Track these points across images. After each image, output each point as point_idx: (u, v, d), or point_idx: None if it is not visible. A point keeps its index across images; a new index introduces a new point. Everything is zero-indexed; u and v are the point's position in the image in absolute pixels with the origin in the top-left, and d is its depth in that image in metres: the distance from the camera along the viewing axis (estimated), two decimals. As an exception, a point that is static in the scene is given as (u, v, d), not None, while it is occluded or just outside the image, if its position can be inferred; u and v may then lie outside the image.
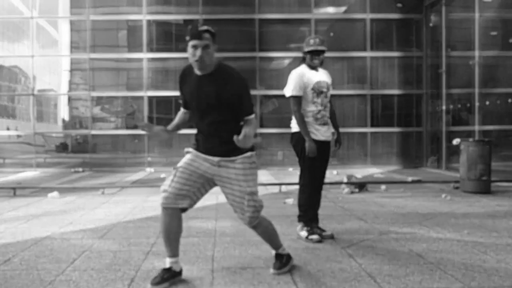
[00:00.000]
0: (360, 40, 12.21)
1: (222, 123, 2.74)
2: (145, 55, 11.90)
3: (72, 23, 12.33)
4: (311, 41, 3.88)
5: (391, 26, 12.42)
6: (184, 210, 2.81)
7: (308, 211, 3.91)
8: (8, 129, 12.05)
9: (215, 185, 2.85)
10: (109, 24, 12.24)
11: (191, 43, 2.61)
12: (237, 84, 2.67)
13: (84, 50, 12.02)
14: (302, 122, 3.79)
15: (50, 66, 12.38)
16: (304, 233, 3.86)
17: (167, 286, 2.73)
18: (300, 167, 3.92)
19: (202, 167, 2.80)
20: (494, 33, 12.03)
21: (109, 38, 12.35)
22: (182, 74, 2.85)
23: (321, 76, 3.92)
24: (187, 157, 2.90)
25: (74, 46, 12.35)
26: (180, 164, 2.87)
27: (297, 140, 3.85)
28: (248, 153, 2.76)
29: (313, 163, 3.80)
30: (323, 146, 3.85)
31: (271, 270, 2.98)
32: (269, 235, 2.99)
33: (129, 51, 12.23)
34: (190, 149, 2.93)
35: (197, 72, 2.70)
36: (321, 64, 3.96)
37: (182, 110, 3.10)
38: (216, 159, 2.77)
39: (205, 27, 2.62)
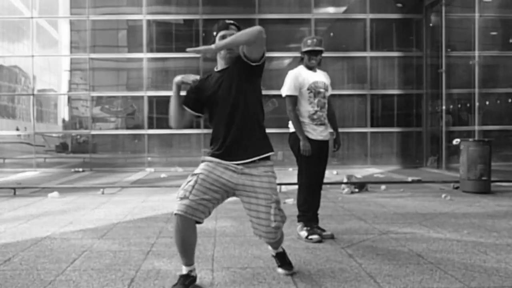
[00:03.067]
0: (360, 40, 12.21)
1: (245, 117, 2.65)
2: (145, 55, 11.90)
3: (72, 23, 12.33)
4: (309, 41, 3.90)
5: (391, 26, 12.42)
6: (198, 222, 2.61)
7: (308, 211, 3.92)
8: (17, 129, 12.06)
9: (233, 195, 2.70)
10: (109, 24, 12.24)
11: (220, 34, 2.67)
12: (239, 53, 2.64)
13: (84, 50, 12.02)
14: (296, 121, 3.80)
15: (50, 66, 12.37)
16: (304, 233, 3.86)
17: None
18: (298, 167, 3.93)
19: (224, 175, 2.62)
20: (494, 33, 12.03)
21: (109, 38, 12.35)
22: (199, 82, 2.74)
23: (319, 76, 3.93)
24: (207, 165, 2.68)
25: (74, 46, 12.35)
26: (200, 171, 2.66)
27: (294, 140, 3.86)
28: (269, 162, 2.70)
29: (310, 162, 3.80)
30: (320, 146, 3.86)
31: (282, 271, 2.94)
32: (278, 244, 2.92)
33: (129, 51, 12.23)
34: (208, 158, 2.71)
35: (218, 68, 2.74)
36: (319, 64, 3.98)
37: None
38: (239, 166, 2.63)
39: (231, 21, 2.72)
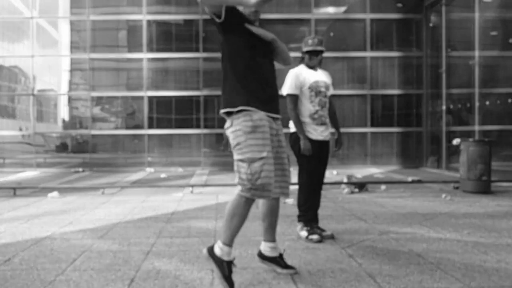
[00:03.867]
0: (360, 40, 12.21)
1: (223, 69, 2.73)
2: (145, 55, 11.90)
3: (72, 23, 12.33)
4: (310, 41, 3.90)
5: (391, 26, 12.42)
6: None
7: (308, 211, 3.91)
8: (20, 129, 12.07)
9: None
10: (109, 24, 12.24)
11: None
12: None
13: (84, 50, 12.03)
14: (297, 120, 3.80)
15: (50, 66, 12.37)
16: (304, 233, 3.86)
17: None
18: (298, 166, 3.93)
19: (273, 136, 2.70)
20: (494, 33, 12.02)
21: (109, 38, 12.35)
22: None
23: (320, 76, 3.93)
24: (263, 131, 2.57)
25: (74, 46, 12.35)
26: (264, 148, 2.54)
27: (294, 140, 3.86)
28: (228, 117, 2.69)
29: (311, 162, 3.80)
30: (321, 146, 3.86)
31: (286, 271, 2.94)
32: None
33: (129, 51, 12.23)
34: (252, 109, 2.57)
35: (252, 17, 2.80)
36: (320, 64, 3.98)
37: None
38: (274, 115, 2.72)
39: None
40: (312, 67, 3.93)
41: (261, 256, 2.99)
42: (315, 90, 3.84)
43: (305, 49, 3.91)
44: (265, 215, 2.93)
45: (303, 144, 3.75)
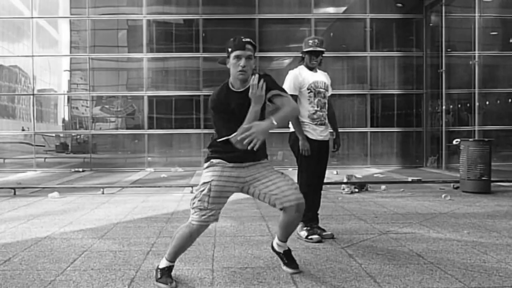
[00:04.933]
0: (360, 40, 12.21)
1: None
2: (145, 55, 11.90)
3: (72, 23, 12.33)
4: (310, 42, 3.90)
5: (391, 26, 12.42)
6: None
7: (308, 211, 3.91)
8: (23, 129, 12.07)
9: (247, 191, 2.80)
10: (109, 24, 12.24)
11: (234, 53, 2.65)
12: (268, 82, 2.68)
13: (84, 50, 12.03)
14: (295, 121, 3.80)
15: (50, 66, 12.37)
16: (304, 233, 3.86)
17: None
18: (298, 167, 3.93)
19: (232, 178, 2.73)
20: (494, 33, 12.03)
21: (109, 38, 12.35)
22: (215, 97, 2.75)
23: (319, 76, 3.94)
24: (214, 169, 2.73)
25: (74, 46, 12.35)
26: (211, 178, 2.70)
27: (294, 140, 3.87)
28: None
29: (310, 162, 3.80)
30: (320, 146, 3.86)
31: (289, 270, 2.96)
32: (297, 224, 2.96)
33: (129, 51, 12.23)
34: (214, 161, 2.75)
35: (234, 87, 2.73)
36: (320, 65, 3.99)
37: None
38: (244, 164, 2.75)
39: (248, 39, 2.68)
40: (312, 68, 3.94)
41: (272, 247, 3.07)
42: (314, 90, 3.85)
43: (306, 49, 3.92)
44: (281, 225, 2.93)
45: (301, 145, 3.76)
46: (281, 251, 3.00)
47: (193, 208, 2.71)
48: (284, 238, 2.96)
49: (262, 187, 2.75)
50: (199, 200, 2.69)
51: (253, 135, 2.43)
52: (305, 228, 3.88)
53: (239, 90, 2.72)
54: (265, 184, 2.75)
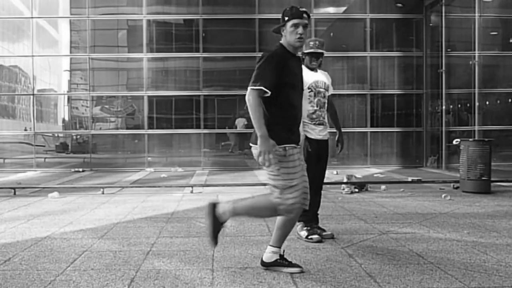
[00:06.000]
0: (360, 40, 12.21)
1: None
2: (145, 55, 11.90)
3: (72, 23, 12.33)
4: (311, 43, 3.92)
5: (391, 26, 12.41)
6: None
7: (308, 211, 3.91)
8: (25, 129, 12.06)
9: None
10: (109, 24, 12.23)
11: (292, 21, 2.88)
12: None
13: (84, 50, 12.02)
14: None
15: (50, 66, 12.37)
16: (304, 233, 3.86)
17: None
18: None
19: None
20: (494, 33, 12.02)
21: (109, 38, 12.34)
22: (281, 55, 2.87)
23: (319, 76, 3.96)
24: (296, 161, 2.83)
25: (74, 46, 12.34)
26: (296, 175, 2.80)
27: None
28: None
29: (311, 162, 3.80)
30: (319, 145, 3.87)
31: (293, 269, 2.98)
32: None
33: (129, 51, 12.22)
34: (287, 146, 2.79)
35: (294, 52, 2.95)
36: (319, 66, 4.01)
37: (259, 100, 2.75)
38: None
39: (304, 9, 2.91)
40: (312, 69, 3.95)
41: (263, 264, 3.03)
42: (315, 90, 3.87)
43: (306, 50, 3.93)
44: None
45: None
46: (277, 256, 2.99)
47: (294, 199, 2.77)
48: (281, 243, 3.00)
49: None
50: (298, 186, 2.79)
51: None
52: (305, 228, 3.88)
53: (295, 55, 2.96)
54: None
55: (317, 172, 3.93)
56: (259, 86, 2.71)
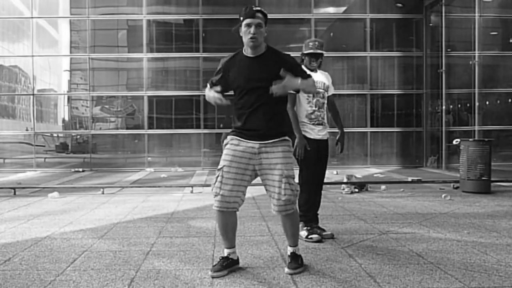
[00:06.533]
0: (360, 40, 12.21)
1: (268, 104, 2.87)
2: (145, 55, 11.90)
3: (72, 23, 12.33)
4: (311, 44, 3.93)
5: (391, 26, 12.42)
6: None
7: (309, 211, 3.92)
8: (27, 129, 12.06)
9: (256, 176, 2.93)
10: (109, 24, 12.24)
11: (245, 22, 2.83)
12: (288, 62, 2.90)
13: (84, 50, 12.02)
14: (294, 118, 3.81)
15: (50, 66, 12.37)
16: (304, 233, 3.86)
17: (226, 273, 2.91)
18: (298, 167, 3.93)
19: (244, 159, 2.85)
20: (494, 33, 12.02)
21: (109, 38, 12.34)
22: (228, 60, 2.96)
23: (319, 77, 3.96)
24: (227, 153, 2.89)
25: (74, 46, 12.35)
26: (222, 163, 2.87)
27: (294, 141, 3.87)
28: (286, 137, 2.95)
29: (310, 162, 3.80)
30: (318, 145, 3.87)
31: (286, 270, 2.97)
32: (296, 228, 3.04)
33: (129, 51, 12.23)
34: (229, 138, 2.93)
35: (248, 53, 2.90)
36: (319, 67, 4.02)
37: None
38: (256, 145, 2.85)
39: (258, 8, 2.88)
40: (311, 69, 3.96)
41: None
42: None
43: (306, 51, 3.94)
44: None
45: (297, 143, 3.72)
46: (288, 253, 3.06)
47: (213, 195, 2.87)
48: (289, 242, 3.06)
49: (266, 178, 2.90)
50: (214, 186, 2.87)
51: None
52: (305, 228, 3.88)
53: (252, 56, 2.90)
54: (266, 179, 2.90)
55: (316, 172, 3.93)
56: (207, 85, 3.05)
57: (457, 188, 7.16)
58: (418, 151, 12.17)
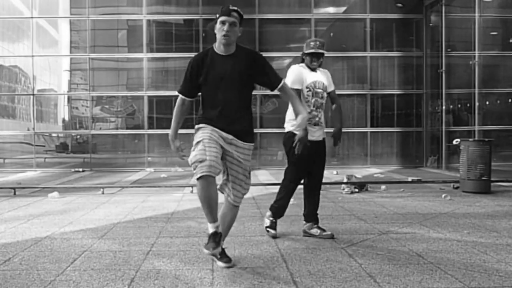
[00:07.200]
0: (360, 40, 12.21)
1: (240, 101, 2.98)
2: (145, 55, 11.90)
3: (72, 23, 12.33)
4: (312, 44, 3.93)
5: (391, 26, 12.42)
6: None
7: (281, 208, 3.98)
8: (28, 129, 12.07)
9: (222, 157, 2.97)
10: (109, 24, 12.24)
11: (220, 19, 2.88)
12: (259, 60, 2.99)
13: (84, 50, 12.02)
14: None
15: (50, 66, 12.37)
16: (266, 222, 3.99)
17: (221, 248, 2.97)
18: (287, 162, 3.97)
19: (220, 140, 2.92)
20: (494, 33, 12.03)
21: (109, 38, 12.34)
22: (198, 58, 2.98)
23: (319, 76, 3.97)
24: (204, 131, 2.94)
25: (74, 46, 12.35)
26: (201, 136, 2.90)
27: (288, 138, 3.88)
28: (253, 143, 3.09)
29: (299, 159, 3.78)
30: (314, 146, 3.86)
31: (221, 264, 3.07)
32: (233, 221, 3.24)
33: (129, 51, 12.23)
34: (202, 125, 2.99)
35: (221, 51, 2.94)
36: (320, 66, 4.02)
37: (181, 102, 3.21)
38: (230, 136, 2.94)
39: (235, 7, 2.91)
40: (312, 69, 3.96)
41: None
42: (313, 90, 3.89)
43: (307, 51, 3.93)
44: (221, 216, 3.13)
45: (300, 134, 3.61)
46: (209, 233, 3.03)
47: (193, 165, 2.81)
48: (224, 232, 3.14)
49: (232, 168, 3.02)
50: (197, 155, 2.81)
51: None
52: (270, 218, 3.98)
53: (224, 54, 2.94)
54: (231, 169, 3.02)
55: (313, 172, 3.93)
56: (178, 91, 3.12)
57: (457, 188, 7.16)
58: (418, 151, 12.17)
